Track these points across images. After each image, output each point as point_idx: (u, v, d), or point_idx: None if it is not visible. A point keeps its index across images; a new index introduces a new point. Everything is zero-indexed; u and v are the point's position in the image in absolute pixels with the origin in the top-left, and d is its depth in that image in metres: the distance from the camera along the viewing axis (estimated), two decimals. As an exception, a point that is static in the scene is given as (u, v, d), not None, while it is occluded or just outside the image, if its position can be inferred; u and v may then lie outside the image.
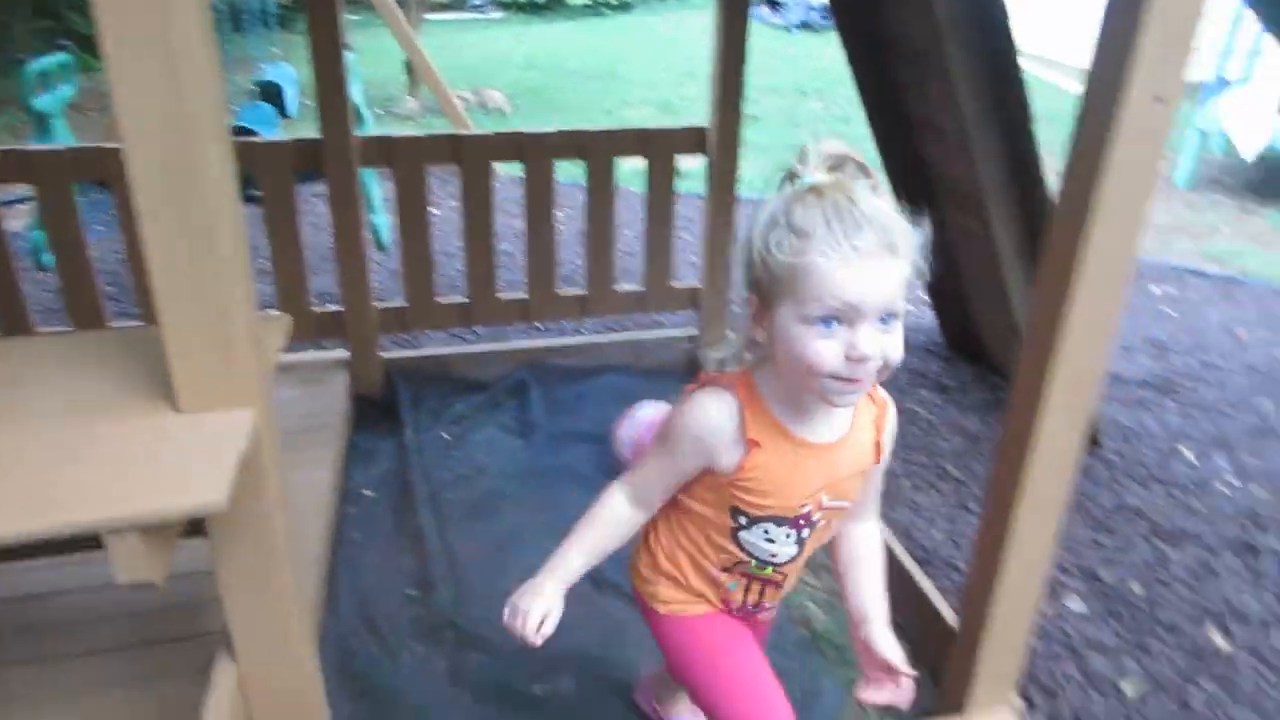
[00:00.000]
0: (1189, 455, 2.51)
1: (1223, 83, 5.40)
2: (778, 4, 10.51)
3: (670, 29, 10.39)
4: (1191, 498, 2.31)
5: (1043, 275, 1.28)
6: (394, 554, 2.03)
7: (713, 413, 1.03)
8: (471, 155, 2.47)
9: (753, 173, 5.16)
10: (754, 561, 1.14)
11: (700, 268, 2.77)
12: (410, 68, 6.46)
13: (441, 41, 9.29)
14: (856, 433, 1.08)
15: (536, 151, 2.52)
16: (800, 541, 1.12)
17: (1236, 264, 4.17)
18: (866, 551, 1.18)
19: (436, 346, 2.94)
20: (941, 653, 1.65)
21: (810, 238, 0.92)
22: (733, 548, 1.13)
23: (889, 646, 1.11)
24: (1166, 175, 5.43)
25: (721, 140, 2.56)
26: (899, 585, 1.82)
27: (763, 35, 9.54)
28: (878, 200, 0.95)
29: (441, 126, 5.89)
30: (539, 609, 1.10)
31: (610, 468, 2.32)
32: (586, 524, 1.16)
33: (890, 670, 1.11)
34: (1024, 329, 1.33)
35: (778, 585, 1.19)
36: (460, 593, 1.91)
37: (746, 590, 1.19)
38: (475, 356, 2.75)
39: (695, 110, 2.59)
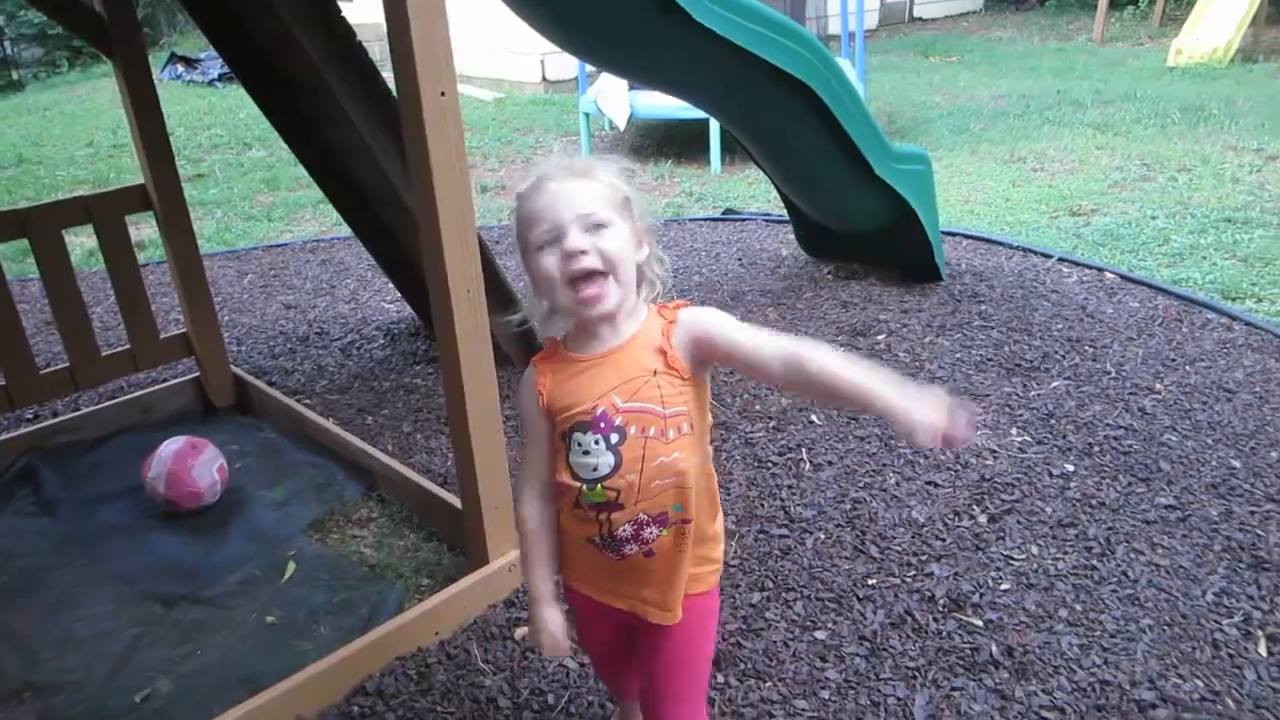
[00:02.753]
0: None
1: (586, 74, 6.73)
2: (194, 61, 10.27)
3: (78, 103, 9.58)
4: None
5: (424, 242, 1.82)
6: (-63, 659, 2.01)
7: (524, 377, 1.31)
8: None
9: (216, 227, 5.26)
10: (584, 486, 1.22)
11: (184, 318, 2.95)
12: None
13: None
14: (638, 341, 1.22)
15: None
16: (613, 449, 1.20)
17: (633, 211, 5.34)
18: (826, 367, 1.13)
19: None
20: (461, 531, 2.17)
21: (519, 194, 1.24)
22: (565, 477, 1.24)
23: (906, 399, 1.07)
24: (576, 155, 6.63)
25: (163, 195, 2.75)
26: (428, 504, 2.34)
27: (186, 93, 9.28)
28: (576, 157, 1.24)
29: None
30: (547, 640, 1.34)
31: (152, 509, 2.47)
32: (526, 543, 1.35)
33: (930, 411, 1.05)
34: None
35: (619, 508, 1.21)
36: (28, 658, 1.98)
37: (597, 524, 1.24)
38: (-39, 460, 2.65)
39: (140, 181, 2.73)
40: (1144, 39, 10.21)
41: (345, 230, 4.84)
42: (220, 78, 9.51)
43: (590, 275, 1.17)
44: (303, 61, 2.49)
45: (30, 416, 3.04)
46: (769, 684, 1.85)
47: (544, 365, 1.28)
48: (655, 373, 1.20)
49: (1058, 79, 8.47)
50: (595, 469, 1.21)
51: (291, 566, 2.26)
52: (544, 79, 8.97)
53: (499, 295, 2.99)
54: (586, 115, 6.51)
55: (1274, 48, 8.90)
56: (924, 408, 1.06)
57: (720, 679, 1.86)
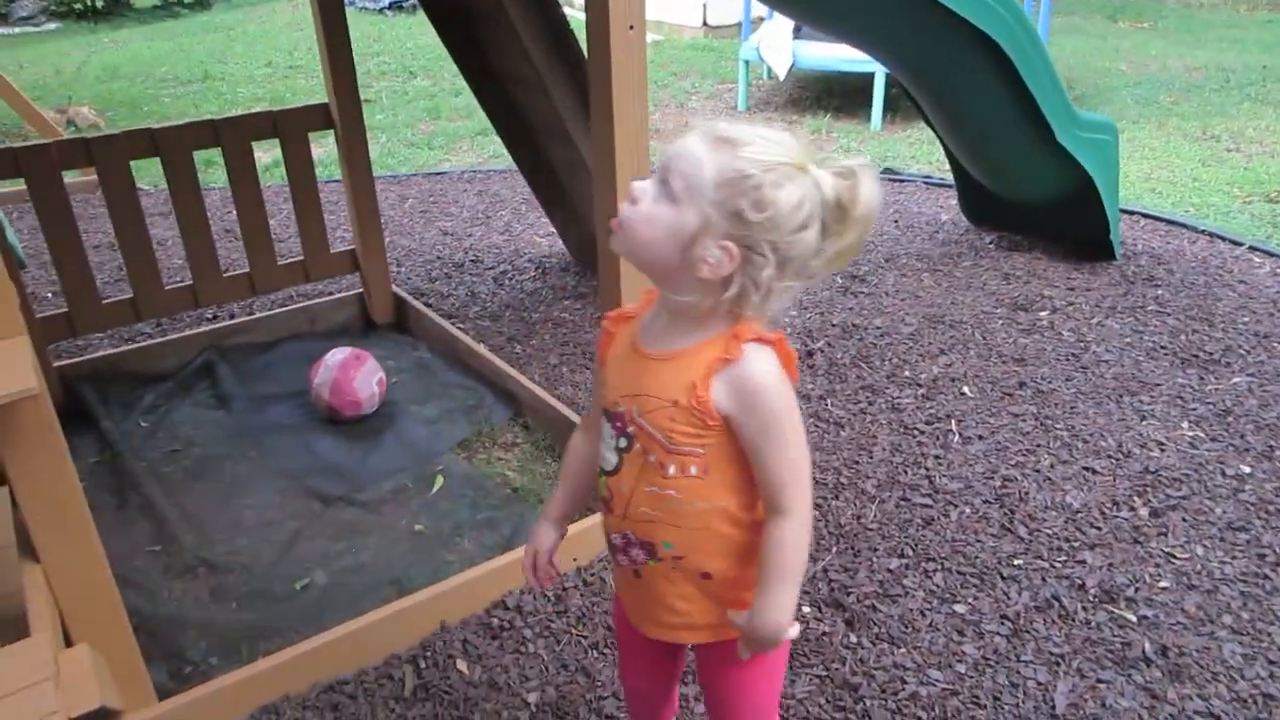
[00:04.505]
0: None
1: (750, 20, 6.58)
2: (369, -13, 10.63)
3: (259, 24, 10.11)
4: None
5: (596, 177, 1.82)
6: (125, 526, 2.21)
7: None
8: (106, 156, 2.58)
9: (380, 152, 5.46)
10: (600, 468, 1.18)
11: (354, 235, 3.09)
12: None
13: (-4, 61, 8.33)
14: (681, 362, 1.07)
15: (172, 144, 2.67)
16: (619, 451, 1.13)
17: (786, 164, 5.23)
18: (769, 538, 1.10)
19: (109, 347, 2.99)
20: (604, 464, 2.20)
21: None
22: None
23: (752, 620, 1.11)
24: (731, 103, 6.54)
25: (344, 117, 2.88)
26: (571, 435, 2.38)
27: (359, 19, 9.63)
28: (741, 125, 1.03)
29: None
30: (529, 554, 1.30)
31: (314, 413, 2.62)
32: (561, 468, 1.33)
33: (749, 643, 1.14)
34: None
35: (611, 511, 1.17)
36: (203, 538, 2.16)
37: (606, 513, 1.20)
38: (152, 350, 2.88)
39: (319, 101, 2.86)
40: (1370, 13, 9.19)
41: (503, 162, 4.96)
42: (391, 6, 9.81)
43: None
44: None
45: (210, 316, 3.27)
46: (903, 650, 1.82)
47: (612, 329, 1.19)
48: (675, 404, 1.06)
49: (1265, 53, 7.73)
50: (605, 460, 1.16)
51: (440, 481, 2.37)
52: (705, 23, 8.83)
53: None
54: (746, 63, 6.38)
55: None
56: (752, 640, 1.12)
57: (854, 639, 1.84)
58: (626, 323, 1.18)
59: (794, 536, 1.09)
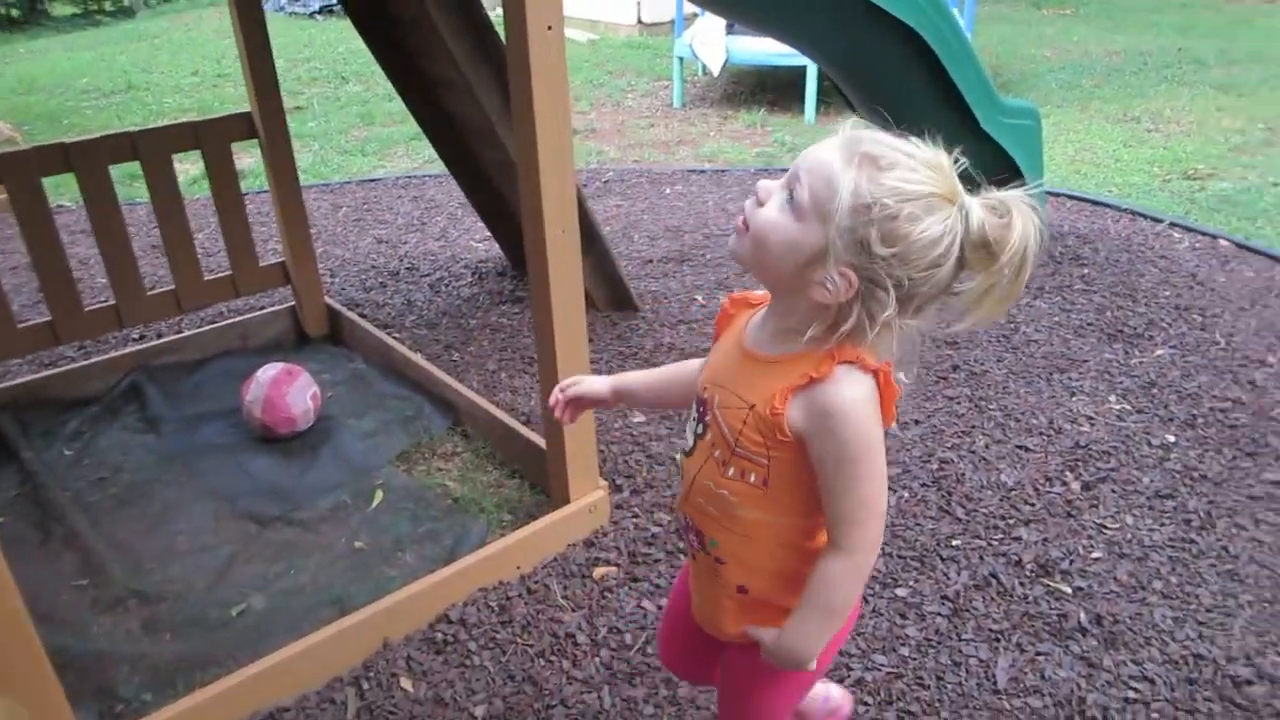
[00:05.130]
0: (701, 299, 3.33)
1: (683, 17, 6.59)
2: (293, -8, 10.42)
3: (185, 31, 9.84)
4: (705, 326, 3.11)
5: (522, 179, 1.80)
6: (50, 561, 2.13)
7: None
8: (16, 173, 2.48)
9: (312, 160, 5.36)
10: (681, 452, 1.18)
11: (284, 247, 3.03)
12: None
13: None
14: (772, 370, 1.03)
15: (87, 158, 2.57)
16: (695, 435, 1.12)
17: (722, 158, 5.26)
18: (818, 567, 1.06)
19: (29, 373, 2.88)
20: (543, 470, 2.19)
21: None
22: None
23: (781, 636, 1.10)
24: (667, 100, 6.54)
25: (268, 126, 2.81)
26: (511, 442, 2.37)
27: (288, 25, 9.44)
28: (911, 143, 0.95)
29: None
30: (568, 381, 1.29)
31: (247, 432, 2.56)
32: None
33: (770, 658, 1.13)
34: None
35: (687, 491, 1.15)
36: (133, 568, 2.09)
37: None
38: (75, 374, 2.78)
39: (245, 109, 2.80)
40: (1277, -7, 9.50)
41: (437, 167, 4.90)
42: (321, 10, 9.64)
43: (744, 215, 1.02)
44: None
45: (137, 336, 3.18)
46: (847, 636, 1.83)
47: (732, 310, 1.16)
48: (752, 408, 1.02)
49: (1179, 36, 7.97)
50: (685, 438, 1.15)
51: (379, 495, 2.33)
52: (639, 21, 8.83)
53: (588, 238, 2.98)
54: (680, 59, 6.40)
55: None
56: (771, 657, 1.11)
57: (797, 629, 1.86)
58: (747, 309, 1.13)
59: (843, 575, 1.04)
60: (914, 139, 0.96)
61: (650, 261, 3.70)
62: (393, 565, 2.09)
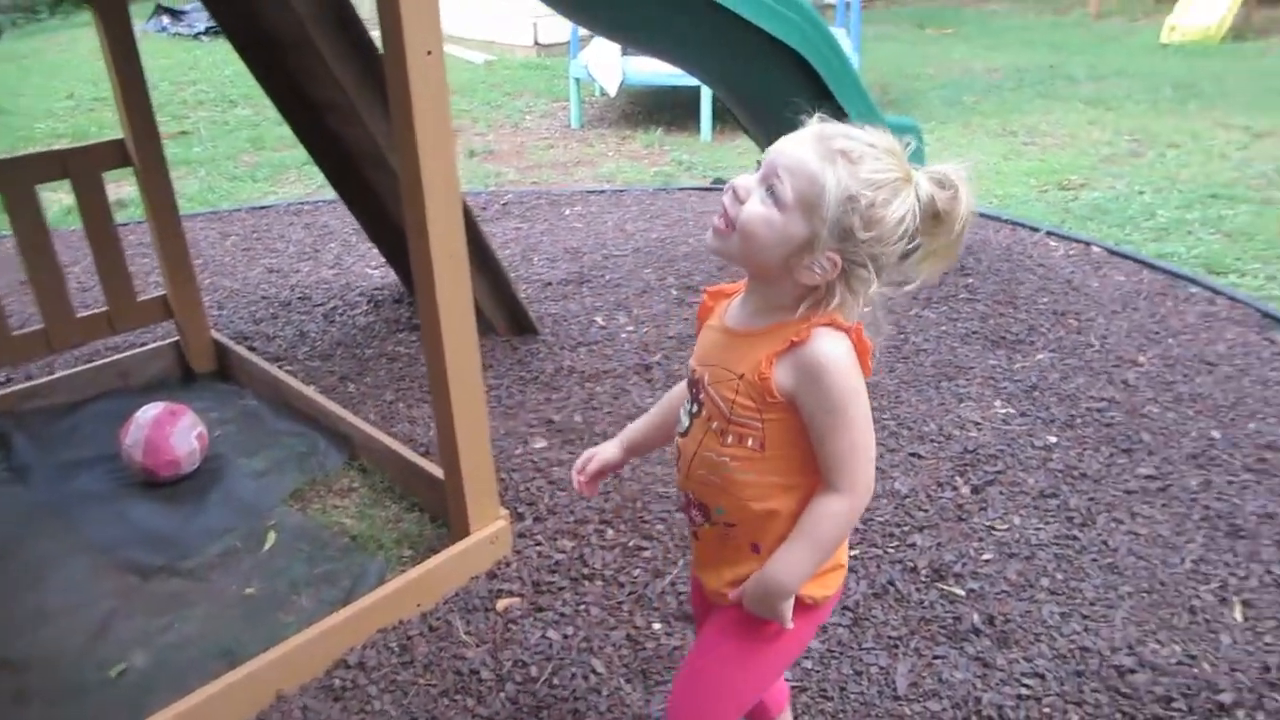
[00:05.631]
0: (600, 321, 3.33)
1: (579, 39, 6.63)
2: (179, 13, 10.05)
3: (59, 52, 9.37)
4: (605, 348, 3.11)
5: (406, 205, 1.78)
6: (-91, 626, 1.98)
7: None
8: None
9: (200, 187, 5.17)
10: (677, 435, 1.24)
11: (164, 279, 2.90)
12: None
13: None
14: (757, 340, 1.11)
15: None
16: (690, 415, 1.20)
17: (621, 179, 5.29)
18: (811, 508, 1.13)
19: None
20: (443, 502, 2.15)
21: None
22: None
23: (762, 579, 1.15)
24: (565, 122, 6.55)
25: (143, 154, 2.70)
26: (410, 475, 2.32)
27: (172, 46, 9.10)
28: (869, 132, 1.07)
29: None
30: (587, 454, 1.35)
31: (127, 478, 2.44)
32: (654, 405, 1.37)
33: (753, 607, 1.19)
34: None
35: (678, 467, 1.23)
36: (0, 634, 1.96)
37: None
38: (-65, 425, 2.61)
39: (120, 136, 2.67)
40: (1139, 15, 10.11)
41: (330, 193, 4.78)
42: (206, 31, 9.32)
43: (724, 213, 1.10)
44: (288, 16, 2.43)
45: (2, 380, 2.99)
46: (750, 655, 1.84)
47: (711, 302, 1.25)
48: (741, 377, 1.11)
49: (1052, 53, 8.40)
50: (680, 421, 1.23)
51: (272, 537, 2.24)
52: (536, 42, 8.83)
53: (483, 262, 2.95)
54: (577, 80, 6.42)
55: (1265, 27, 8.84)
56: (751, 593, 1.17)
57: (702, 650, 1.86)
58: (724, 298, 1.22)
59: (835, 512, 1.11)
60: (868, 128, 1.09)
61: (550, 284, 3.68)
62: (287, 611, 2.01)
